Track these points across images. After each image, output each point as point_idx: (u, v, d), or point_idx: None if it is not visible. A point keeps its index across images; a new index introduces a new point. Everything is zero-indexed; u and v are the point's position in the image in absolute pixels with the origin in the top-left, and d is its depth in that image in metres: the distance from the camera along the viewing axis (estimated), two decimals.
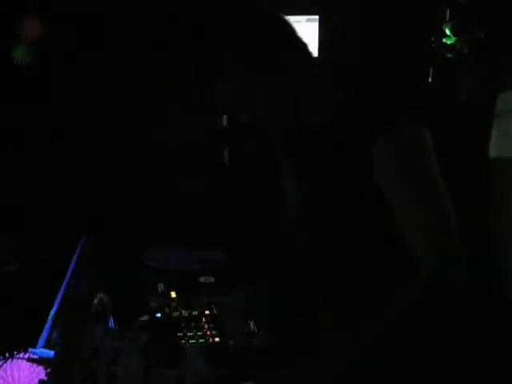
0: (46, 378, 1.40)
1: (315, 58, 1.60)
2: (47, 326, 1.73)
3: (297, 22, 3.10)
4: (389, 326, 1.42)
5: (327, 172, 1.56)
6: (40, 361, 1.46)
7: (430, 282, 1.41)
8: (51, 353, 1.48)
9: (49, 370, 1.42)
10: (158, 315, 1.84)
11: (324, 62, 1.61)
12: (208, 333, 1.73)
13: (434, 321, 1.46)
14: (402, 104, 1.52)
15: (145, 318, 1.81)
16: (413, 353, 1.50)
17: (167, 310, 1.87)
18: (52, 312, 1.79)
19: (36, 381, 1.40)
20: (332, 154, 1.54)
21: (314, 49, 3.23)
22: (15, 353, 1.47)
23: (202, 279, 2.14)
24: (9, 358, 1.46)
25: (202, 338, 1.71)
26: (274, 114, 1.53)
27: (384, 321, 1.42)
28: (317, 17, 3.21)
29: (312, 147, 1.59)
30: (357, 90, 1.55)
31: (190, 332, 1.74)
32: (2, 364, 1.44)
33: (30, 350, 1.48)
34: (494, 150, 2.73)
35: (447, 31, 2.81)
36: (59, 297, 1.93)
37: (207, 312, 1.87)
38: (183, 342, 1.68)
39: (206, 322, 1.81)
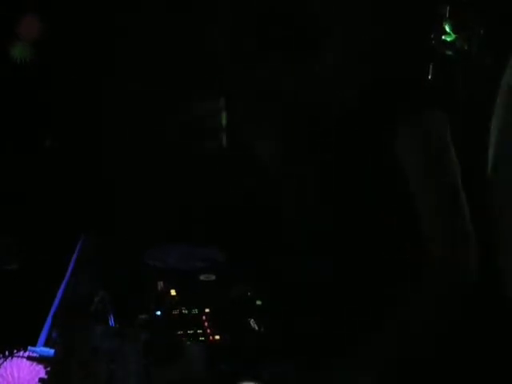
0: (45, 377, 1.40)
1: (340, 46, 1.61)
2: (47, 324, 1.73)
3: None
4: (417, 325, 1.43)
5: (345, 159, 1.57)
6: (40, 359, 1.46)
7: (442, 270, 1.42)
8: (51, 351, 1.47)
9: (49, 368, 1.42)
10: (158, 313, 1.84)
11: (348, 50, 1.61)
12: (208, 331, 1.73)
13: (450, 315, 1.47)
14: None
15: (144, 316, 1.81)
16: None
17: (167, 308, 1.87)
18: (52, 311, 1.79)
19: (36, 379, 1.39)
20: (352, 140, 1.55)
21: None
22: (15, 351, 1.47)
23: (202, 277, 2.14)
24: (8, 357, 1.46)
25: (201, 337, 1.71)
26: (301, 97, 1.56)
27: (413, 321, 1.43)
28: None
29: (334, 133, 1.61)
30: (379, 78, 1.57)
31: (189, 330, 1.74)
32: (2, 362, 1.43)
33: (29, 348, 1.48)
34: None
35: (447, 28, 2.81)
36: (59, 295, 1.93)
37: (207, 310, 1.86)
38: (183, 340, 1.68)
39: (205, 321, 1.81)
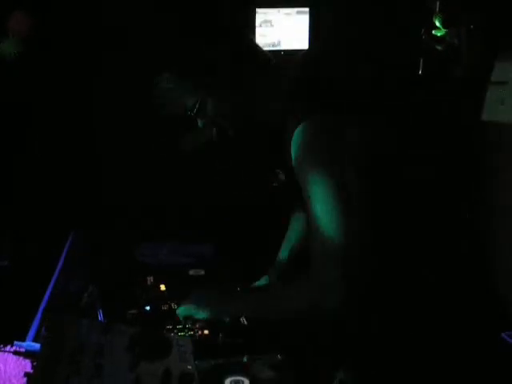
0: (31, 371, 1.39)
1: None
2: (36, 320, 1.72)
3: (287, 14, 3.13)
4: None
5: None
6: (27, 354, 1.45)
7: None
8: (38, 346, 1.47)
9: (35, 363, 1.41)
10: (147, 308, 1.84)
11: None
12: (197, 326, 1.73)
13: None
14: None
15: (134, 311, 1.81)
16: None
17: (156, 303, 1.87)
18: (41, 306, 1.78)
19: (22, 374, 1.39)
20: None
21: (304, 41, 3.25)
22: (1, 346, 1.46)
23: (191, 272, 2.14)
24: None
25: (190, 331, 1.71)
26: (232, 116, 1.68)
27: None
28: (307, 9, 3.23)
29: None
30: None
31: (178, 325, 1.74)
32: None
33: (15, 343, 1.47)
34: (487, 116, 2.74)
35: (437, 23, 2.81)
36: (49, 291, 1.92)
37: None
38: (172, 334, 1.68)
39: None
